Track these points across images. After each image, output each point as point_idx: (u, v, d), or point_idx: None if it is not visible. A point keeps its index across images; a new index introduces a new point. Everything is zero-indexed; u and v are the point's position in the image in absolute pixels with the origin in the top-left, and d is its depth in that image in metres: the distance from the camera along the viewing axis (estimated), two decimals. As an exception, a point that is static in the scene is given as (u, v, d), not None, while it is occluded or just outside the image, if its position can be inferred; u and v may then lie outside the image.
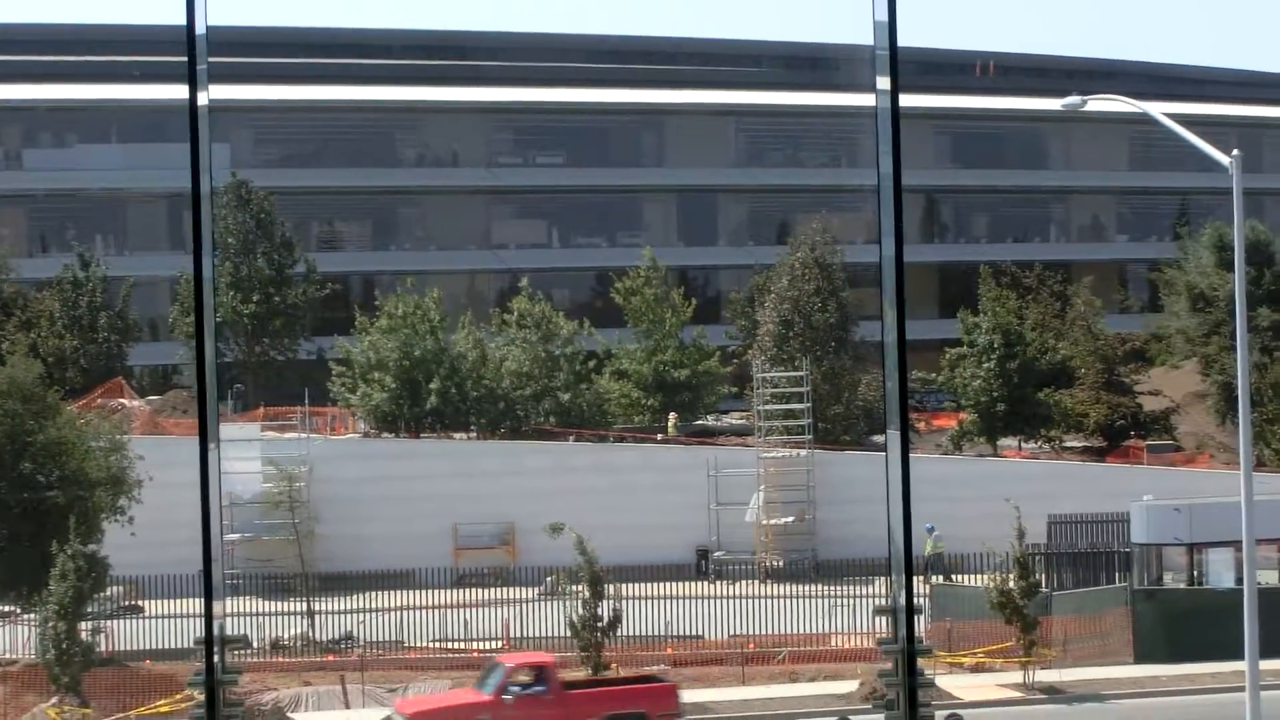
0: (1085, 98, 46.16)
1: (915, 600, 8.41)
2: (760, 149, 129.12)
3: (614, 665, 54.18)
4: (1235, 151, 36.11)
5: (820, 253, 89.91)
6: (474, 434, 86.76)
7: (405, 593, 68.87)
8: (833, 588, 68.61)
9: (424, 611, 66.18)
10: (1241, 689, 35.97)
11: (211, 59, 11.98)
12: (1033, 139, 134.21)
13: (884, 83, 8.11)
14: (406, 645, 63.51)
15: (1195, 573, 63.96)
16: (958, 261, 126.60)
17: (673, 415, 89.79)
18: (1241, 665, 36.10)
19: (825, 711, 50.25)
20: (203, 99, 11.83)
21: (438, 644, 63.93)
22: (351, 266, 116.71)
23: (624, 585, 58.76)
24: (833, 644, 61.22)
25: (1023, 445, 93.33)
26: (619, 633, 55.44)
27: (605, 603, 54.06)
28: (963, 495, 75.28)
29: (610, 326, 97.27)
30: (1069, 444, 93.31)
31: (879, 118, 8.16)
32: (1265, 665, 38.01)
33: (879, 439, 72.72)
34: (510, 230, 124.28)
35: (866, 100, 9.22)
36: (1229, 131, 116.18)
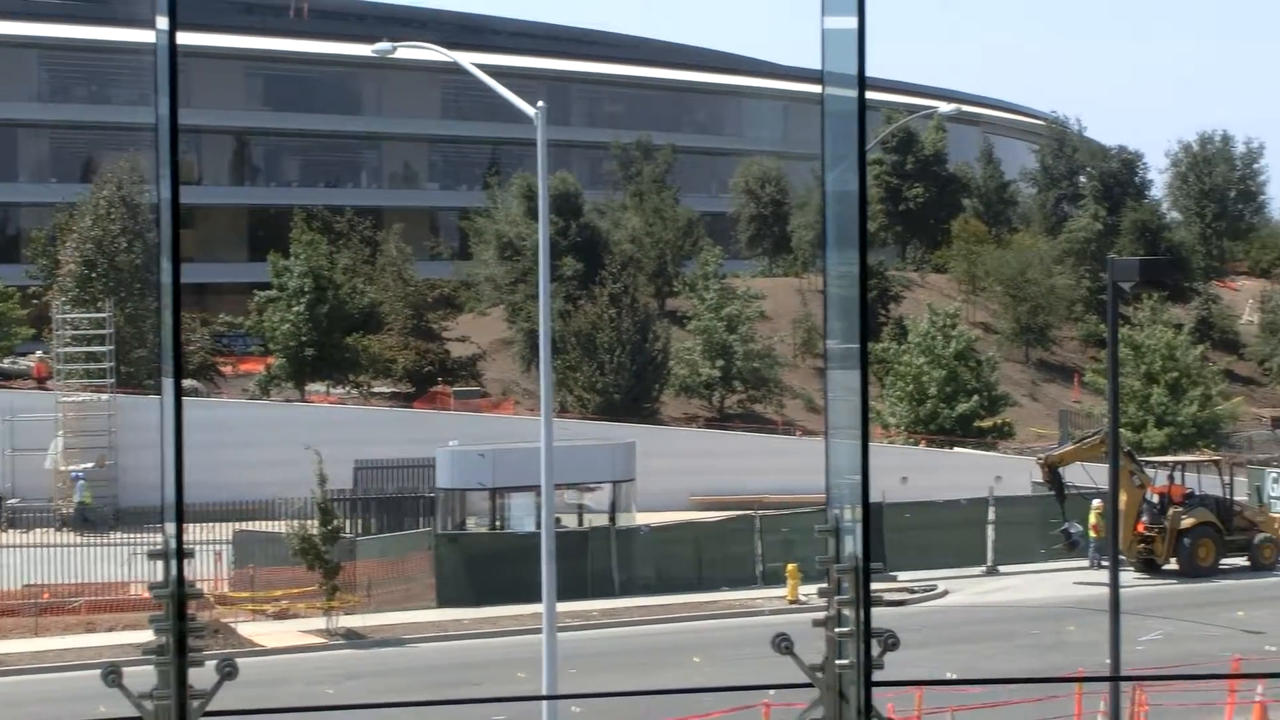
0: (396, 44, 46.21)
1: (190, 546, 7.97)
2: (65, 83, 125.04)
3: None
4: (540, 104, 36.64)
5: (127, 192, 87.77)
6: None
7: None
8: (134, 535, 67.23)
9: None
10: (540, 630, 36.69)
11: None
12: (346, 84, 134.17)
13: (163, 21, 7.57)
14: None
15: (497, 517, 65.37)
16: (269, 205, 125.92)
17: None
18: (540, 607, 36.83)
19: (125, 662, 49.05)
20: None
21: None
22: None
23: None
24: (132, 592, 59.85)
25: (331, 390, 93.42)
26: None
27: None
28: (268, 440, 74.92)
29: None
30: (378, 389, 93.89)
31: (157, 56, 7.62)
32: (562, 607, 38.91)
33: (185, 383, 71.60)
34: None
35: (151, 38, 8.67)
36: (538, 84, 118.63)
